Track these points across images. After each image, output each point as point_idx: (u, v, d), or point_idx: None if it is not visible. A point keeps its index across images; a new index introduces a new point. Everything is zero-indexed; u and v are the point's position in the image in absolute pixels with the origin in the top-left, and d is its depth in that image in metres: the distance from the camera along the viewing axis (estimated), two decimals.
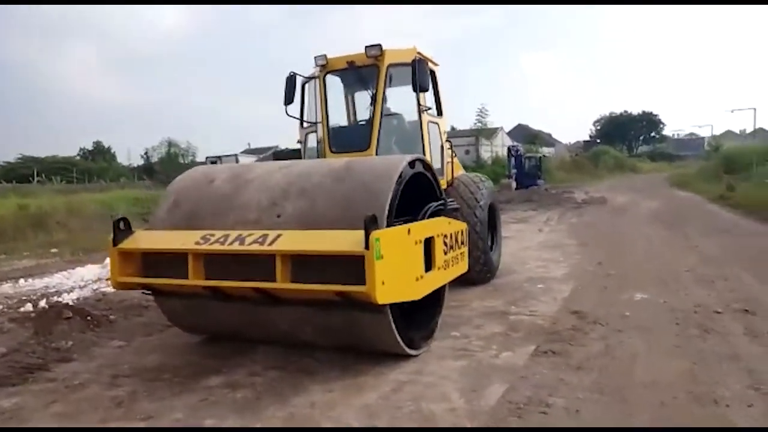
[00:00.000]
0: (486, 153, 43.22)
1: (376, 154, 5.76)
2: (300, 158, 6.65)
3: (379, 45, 5.84)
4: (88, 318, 5.52)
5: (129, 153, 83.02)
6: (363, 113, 6.64)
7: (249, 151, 60.53)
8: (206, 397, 3.62)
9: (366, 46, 5.86)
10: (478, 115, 42.42)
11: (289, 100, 6.29)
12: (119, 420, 3.35)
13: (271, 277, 3.45)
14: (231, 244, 3.61)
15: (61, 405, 3.64)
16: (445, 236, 4.36)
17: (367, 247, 3.16)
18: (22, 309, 5.91)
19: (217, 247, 3.66)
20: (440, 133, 6.71)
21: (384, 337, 3.78)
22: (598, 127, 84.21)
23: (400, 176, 3.78)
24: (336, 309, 3.66)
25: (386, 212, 3.54)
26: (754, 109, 62.78)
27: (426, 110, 6.23)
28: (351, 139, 6.21)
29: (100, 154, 54.27)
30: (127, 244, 4.03)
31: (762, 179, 20.98)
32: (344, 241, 3.32)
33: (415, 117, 6.18)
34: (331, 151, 6.08)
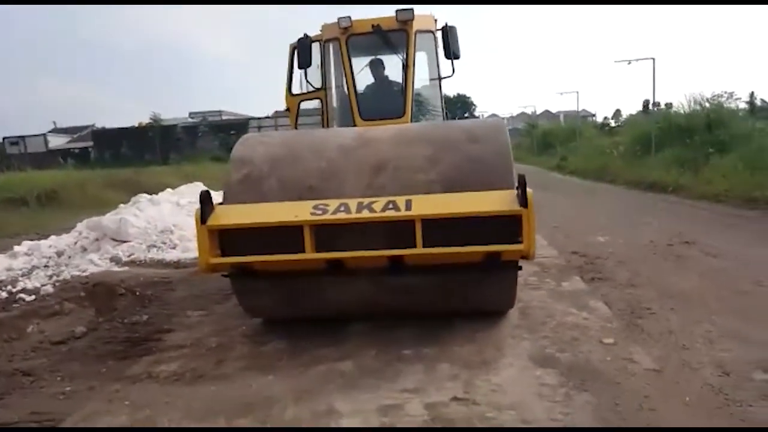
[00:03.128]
0: None
1: (411, 122, 5.76)
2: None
3: (412, 9, 5.67)
4: (136, 293, 5.30)
5: None
6: (366, 79, 6.32)
7: (58, 131, 53.72)
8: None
9: (398, 10, 5.67)
10: None
11: (306, 63, 5.98)
12: (312, 363, 3.61)
13: (404, 243, 3.35)
14: (360, 212, 3.37)
15: (239, 362, 3.76)
16: None
17: (524, 205, 3.22)
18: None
19: (342, 216, 3.37)
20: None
21: (506, 294, 3.93)
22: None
23: None
24: (467, 272, 3.61)
25: (514, 174, 3.60)
26: (577, 92, 73.21)
27: (444, 78, 6.19)
28: (382, 106, 5.97)
29: None
30: (219, 219, 3.50)
31: (583, 151, 25.15)
32: (497, 200, 3.33)
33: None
34: (362, 119, 5.82)
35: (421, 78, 6.19)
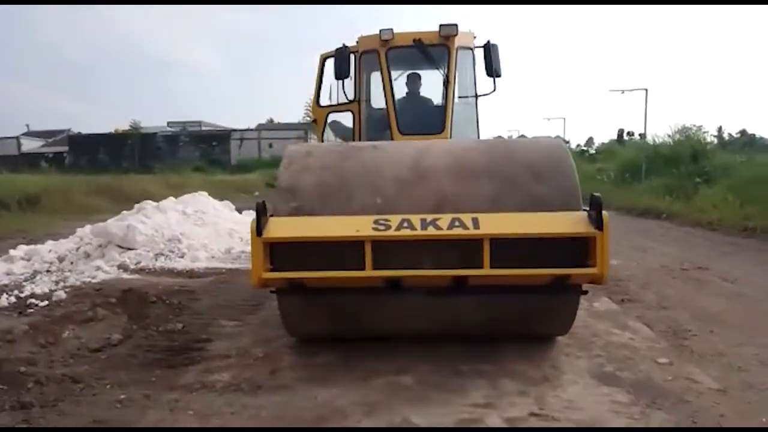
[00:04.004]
0: None
1: (450, 137, 5.73)
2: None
3: (456, 25, 5.63)
4: (166, 302, 5.18)
5: None
6: (400, 93, 6.14)
7: (32, 134, 52.41)
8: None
9: (442, 25, 5.63)
10: (307, 108, 43.08)
11: (343, 74, 5.89)
12: (370, 377, 3.56)
13: (466, 262, 3.25)
14: (425, 229, 3.23)
15: (293, 373, 3.70)
16: None
17: (600, 227, 3.14)
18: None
19: (407, 233, 3.22)
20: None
21: (567, 319, 3.78)
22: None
23: None
24: (530, 294, 3.50)
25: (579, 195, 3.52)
26: (564, 119, 75.05)
27: (484, 95, 6.20)
28: (421, 121, 5.97)
29: None
30: (275, 232, 3.33)
31: None
32: (570, 222, 3.26)
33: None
34: (401, 133, 5.76)
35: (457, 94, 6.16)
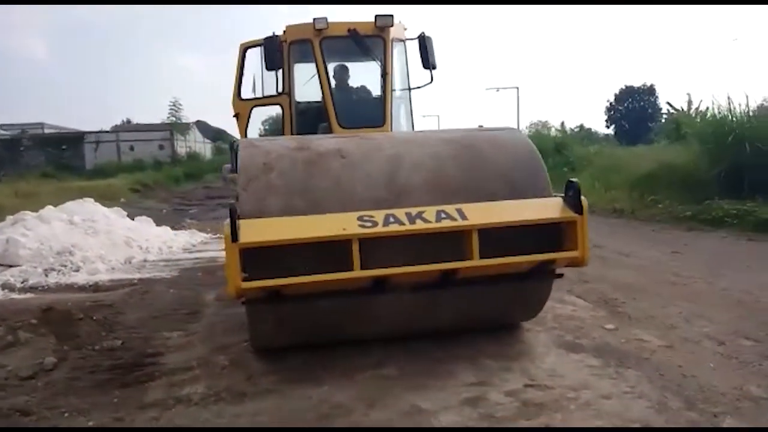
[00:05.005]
0: (181, 148, 41.81)
1: (390, 130, 5.78)
2: None
3: (392, 15, 5.53)
4: (93, 318, 4.65)
5: None
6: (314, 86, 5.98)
7: None
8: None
9: (378, 15, 5.51)
10: (172, 108, 40.57)
11: (276, 64, 5.64)
12: (353, 372, 3.52)
13: (452, 255, 3.20)
14: (414, 223, 3.13)
15: (272, 377, 3.54)
16: None
17: (579, 212, 3.29)
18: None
19: (395, 228, 3.10)
20: None
21: (539, 303, 3.89)
22: (267, 127, 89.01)
23: None
24: (512, 281, 3.55)
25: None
26: (438, 116, 77.13)
27: (420, 87, 6.23)
28: (361, 114, 5.91)
29: None
30: (252, 236, 2.99)
31: None
32: (551, 208, 3.36)
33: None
34: (341, 127, 5.64)
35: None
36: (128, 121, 52.88)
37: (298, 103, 6.02)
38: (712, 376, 3.26)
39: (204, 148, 50.53)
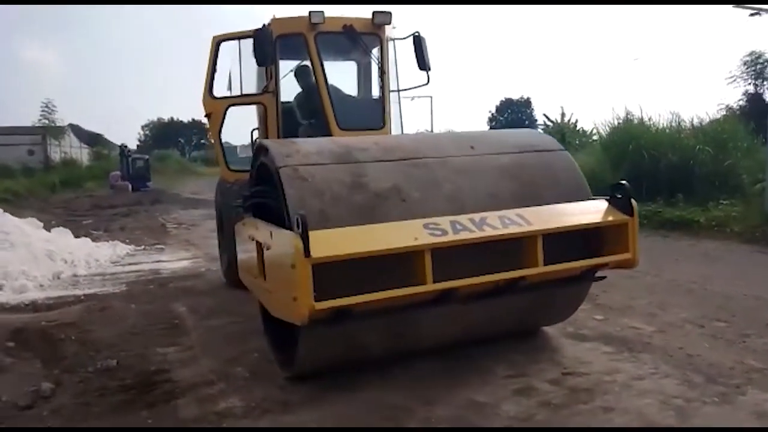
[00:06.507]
0: (55, 154, 38.12)
1: (389, 133, 5.53)
2: None
3: (390, 13, 5.25)
4: (72, 338, 4.21)
5: None
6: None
7: None
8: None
9: (375, 12, 5.23)
10: (44, 110, 36.82)
11: (268, 59, 5.18)
12: (386, 378, 3.51)
13: (513, 262, 3.13)
14: (482, 229, 3.02)
15: (306, 387, 3.45)
16: None
17: (631, 214, 3.30)
18: None
19: (465, 236, 2.96)
20: None
21: (577, 305, 3.96)
22: (147, 132, 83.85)
23: None
24: (562, 285, 3.52)
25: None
26: (431, 97, 75.84)
27: (414, 87, 6.03)
28: (360, 115, 5.63)
29: None
30: (325, 250, 2.70)
31: None
32: (603, 211, 3.37)
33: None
34: (341, 129, 5.25)
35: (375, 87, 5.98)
36: None
37: (284, 102, 5.58)
38: (711, 354, 3.70)
39: (80, 153, 46.45)
